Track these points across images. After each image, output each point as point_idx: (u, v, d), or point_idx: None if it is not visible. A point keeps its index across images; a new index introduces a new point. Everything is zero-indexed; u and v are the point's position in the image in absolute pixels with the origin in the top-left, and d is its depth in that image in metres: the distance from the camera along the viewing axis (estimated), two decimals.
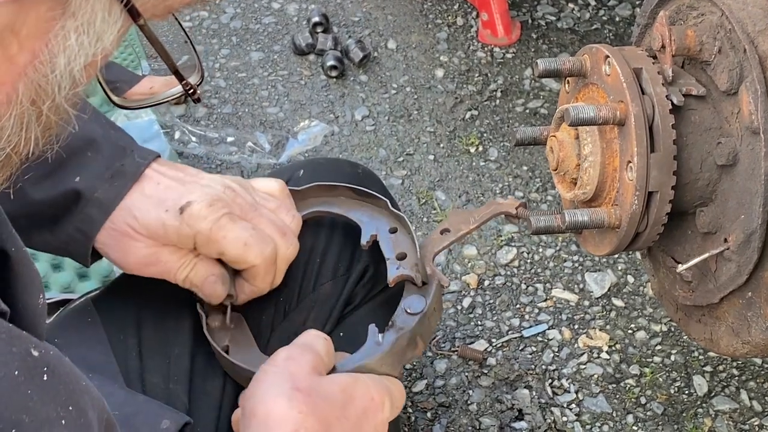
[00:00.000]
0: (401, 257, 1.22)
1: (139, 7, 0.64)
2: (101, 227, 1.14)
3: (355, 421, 1.02)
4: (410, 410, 1.71)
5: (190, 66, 0.91)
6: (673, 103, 1.11)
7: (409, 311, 1.17)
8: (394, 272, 1.20)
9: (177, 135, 2.10)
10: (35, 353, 0.66)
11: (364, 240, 1.24)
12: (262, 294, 1.21)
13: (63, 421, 0.66)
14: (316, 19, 2.36)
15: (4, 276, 0.74)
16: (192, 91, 0.88)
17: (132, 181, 1.14)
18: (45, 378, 0.66)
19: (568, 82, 1.23)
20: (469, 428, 1.68)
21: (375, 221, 1.25)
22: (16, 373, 0.64)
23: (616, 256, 1.91)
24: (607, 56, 1.13)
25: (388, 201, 1.25)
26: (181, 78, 0.86)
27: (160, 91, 0.96)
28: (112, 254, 1.16)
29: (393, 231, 1.24)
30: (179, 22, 0.90)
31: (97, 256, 1.20)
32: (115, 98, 0.92)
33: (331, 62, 2.25)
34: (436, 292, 1.19)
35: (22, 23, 0.60)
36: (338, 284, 1.27)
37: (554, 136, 1.18)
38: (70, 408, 0.68)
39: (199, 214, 1.13)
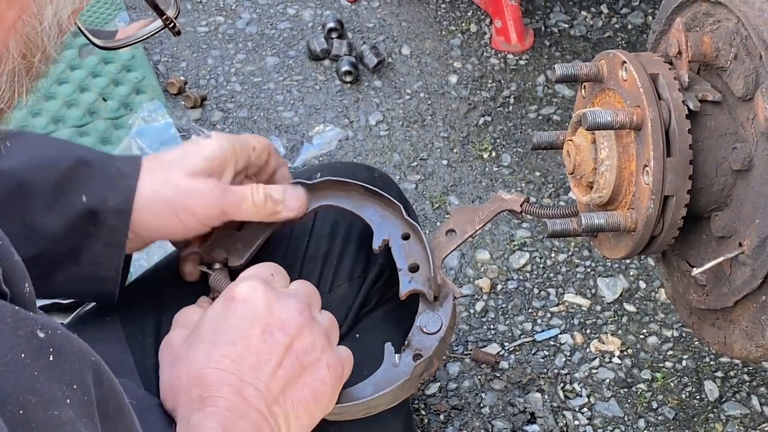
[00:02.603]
0: (414, 269, 1.22)
1: None
2: (127, 232, 1.14)
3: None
4: (423, 412, 1.72)
5: (165, 4, 0.94)
6: (689, 109, 1.12)
7: (425, 330, 1.18)
8: (406, 286, 1.21)
9: (193, 138, 2.12)
10: (41, 334, 0.67)
11: (376, 244, 1.24)
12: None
13: (68, 400, 0.68)
14: (331, 24, 2.38)
15: None
16: (172, 24, 0.91)
17: (135, 178, 1.15)
18: (51, 358, 0.67)
19: (585, 87, 1.24)
20: (482, 431, 1.69)
21: (387, 224, 1.25)
22: (23, 355, 0.65)
23: (628, 261, 1.93)
24: (624, 62, 1.14)
25: (401, 206, 1.25)
26: (161, 13, 0.90)
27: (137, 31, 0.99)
28: (181, 209, 1.16)
29: (405, 237, 1.24)
30: None
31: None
32: (97, 41, 0.93)
33: (345, 67, 2.27)
34: (452, 312, 1.19)
35: None
36: (354, 286, 1.29)
37: (571, 140, 1.20)
38: (75, 387, 0.69)
39: (222, 134, 1.22)
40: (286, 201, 1.21)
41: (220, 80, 2.30)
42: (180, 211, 1.16)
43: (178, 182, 1.16)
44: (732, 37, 1.11)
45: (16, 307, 0.67)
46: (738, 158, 1.11)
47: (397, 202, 1.25)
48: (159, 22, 0.91)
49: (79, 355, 0.71)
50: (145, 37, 0.97)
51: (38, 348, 0.67)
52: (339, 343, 1.27)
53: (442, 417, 1.72)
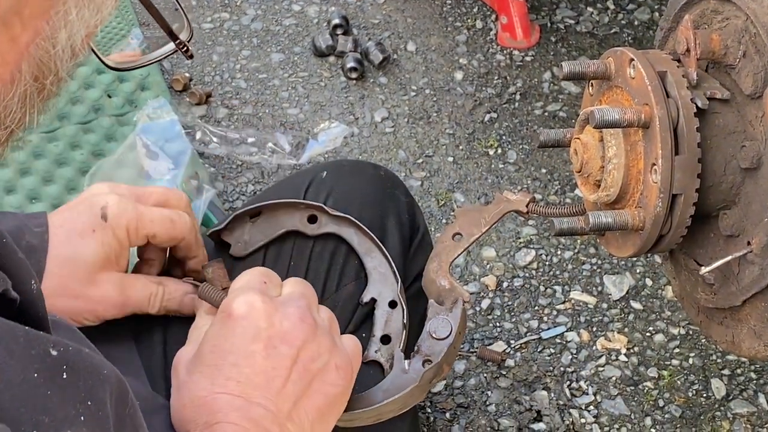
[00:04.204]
0: (385, 340, 1.22)
1: None
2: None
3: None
4: (429, 411, 1.71)
5: (179, 27, 0.92)
6: (697, 107, 1.11)
7: (434, 336, 1.17)
8: (371, 354, 1.22)
9: (198, 135, 2.12)
10: (54, 353, 0.67)
11: (365, 298, 1.25)
12: (201, 263, 1.20)
13: (82, 417, 0.67)
14: (337, 21, 2.37)
15: None
16: (185, 48, 0.90)
17: (43, 251, 1.11)
18: (64, 376, 0.67)
19: (592, 85, 1.23)
20: (488, 429, 1.69)
21: (383, 283, 1.25)
22: (36, 375, 0.64)
23: (635, 258, 1.92)
24: (632, 59, 1.13)
25: (401, 283, 1.25)
26: (174, 37, 0.88)
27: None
28: (82, 315, 1.13)
29: (392, 305, 1.25)
30: None
31: None
32: (108, 61, 0.93)
33: (351, 64, 2.26)
34: (462, 317, 1.19)
35: (25, 3, 0.60)
36: (361, 285, 1.28)
37: (578, 138, 1.19)
38: (89, 403, 0.68)
39: (119, 210, 1.13)
40: (180, 307, 1.18)
41: (225, 77, 2.30)
42: (77, 316, 1.13)
43: (75, 295, 1.12)
44: (741, 35, 1.10)
45: (27, 328, 0.67)
46: (747, 156, 1.10)
47: (399, 277, 1.25)
48: (171, 45, 0.90)
49: (92, 370, 0.70)
50: (157, 59, 0.96)
51: (51, 366, 0.66)
52: None
53: (447, 415, 1.71)
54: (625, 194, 1.16)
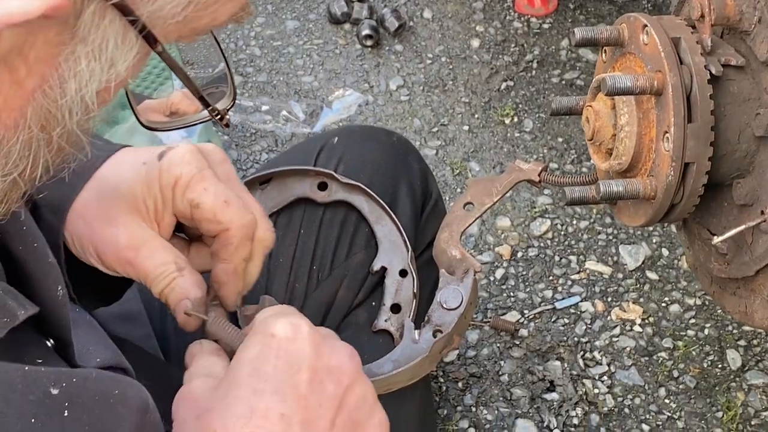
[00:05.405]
0: (395, 309, 1.22)
1: (157, 33, 0.61)
2: (62, 233, 0.97)
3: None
4: (441, 380, 1.71)
5: (222, 77, 0.88)
6: (711, 73, 1.09)
7: (445, 306, 1.16)
8: (381, 323, 1.22)
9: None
10: (54, 391, 0.65)
11: (375, 267, 1.25)
12: (230, 276, 1.01)
13: None
14: None
15: (18, 275, 0.72)
16: (220, 117, 0.82)
17: (88, 176, 0.98)
18: (65, 414, 0.66)
19: (605, 52, 1.22)
20: (500, 399, 1.68)
21: (393, 252, 1.25)
22: (33, 420, 0.64)
23: (651, 228, 1.90)
24: (645, 25, 1.12)
25: (412, 252, 1.25)
26: (206, 104, 0.81)
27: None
28: (88, 248, 0.99)
29: (402, 274, 1.24)
30: (217, 41, 0.85)
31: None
32: (143, 120, 0.89)
33: (366, 31, 2.25)
34: (473, 287, 1.18)
35: (30, 46, 0.59)
36: (371, 253, 1.28)
37: (590, 105, 1.17)
38: None
39: (182, 159, 0.98)
40: (175, 309, 0.98)
41: (240, 44, 2.28)
42: (81, 245, 0.98)
43: (89, 222, 0.98)
44: (756, 0, 1.08)
45: (27, 368, 0.66)
46: (761, 124, 1.08)
47: (410, 245, 1.24)
48: (206, 112, 0.84)
49: (99, 398, 0.69)
50: (193, 123, 0.89)
51: (51, 408, 0.65)
52: (357, 309, 1.27)
53: (460, 385, 1.71)
54: (637, 163, 1.15)
